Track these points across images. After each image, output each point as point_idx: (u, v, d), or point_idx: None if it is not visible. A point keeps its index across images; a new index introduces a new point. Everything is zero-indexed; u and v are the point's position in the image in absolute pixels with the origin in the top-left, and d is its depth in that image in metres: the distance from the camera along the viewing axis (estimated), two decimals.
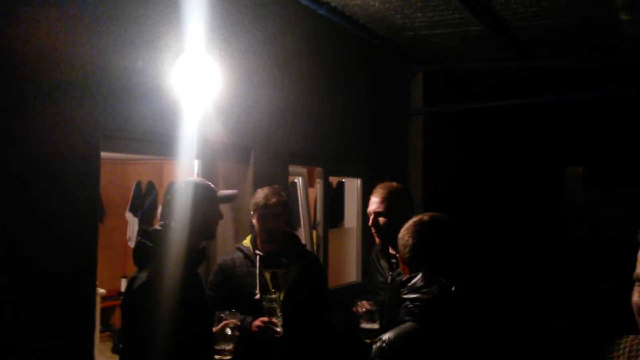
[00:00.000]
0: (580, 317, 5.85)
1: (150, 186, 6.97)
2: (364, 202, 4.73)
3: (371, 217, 2.57)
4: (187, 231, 2.20)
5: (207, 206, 2.27)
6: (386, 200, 2.55)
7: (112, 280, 6.79)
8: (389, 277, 2.59)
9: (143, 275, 2.10)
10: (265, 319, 2.52)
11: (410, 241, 1.81)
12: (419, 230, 1.81)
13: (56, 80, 2.27)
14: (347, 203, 4.94)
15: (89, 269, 2.41)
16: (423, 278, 1.73)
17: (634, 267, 1.18)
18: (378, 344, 1.71)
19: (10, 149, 2.12)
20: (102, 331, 6.16)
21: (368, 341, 2.41)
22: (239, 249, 2.79)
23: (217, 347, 2.29)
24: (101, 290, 5.66)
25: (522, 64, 4.84)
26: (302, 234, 4.25)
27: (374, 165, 4.75)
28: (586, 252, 7.74)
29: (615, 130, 7.16)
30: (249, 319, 2.61)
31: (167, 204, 2.26)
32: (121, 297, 2.29)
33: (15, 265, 2.13)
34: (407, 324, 1.72)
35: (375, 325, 2.46)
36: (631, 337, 1.31)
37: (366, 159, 4.64)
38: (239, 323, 2.37)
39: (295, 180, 4.35)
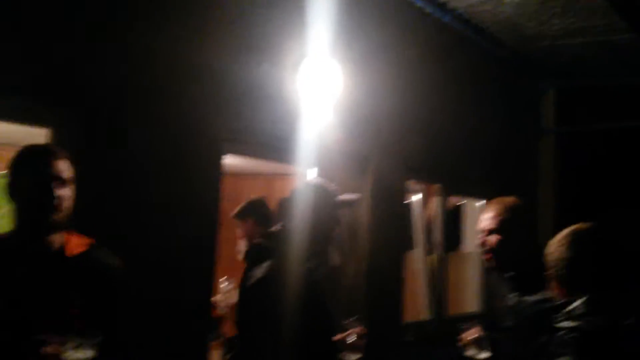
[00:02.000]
0: None
1: (262, 201, 7.08)
2: None
3: (482, 236, 2.25)
4: (306, 235, 2.08)
5: (325, 210, 2.14)
6: (501, 215, 2.22)
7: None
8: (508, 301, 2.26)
9: (258, 272, 2.01)
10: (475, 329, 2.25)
11: (567, 254, 1.51)
12: (579, 241, 1.52)
13: (181, 85, 2.30)
14: (468, 226, 4.60)
15: (208, 275, 2.39)
16: (587, 303, 1.43)
17: None
18: None
19: (138, 153, 2.17)
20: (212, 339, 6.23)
21: None
22: None
23: (341, 357, 2.13)
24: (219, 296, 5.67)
25: None
26: (417, 257, 4.00)
27: (499, 187, 4.37)
28: None
29: None
30: None
31: (287, 206, 2.17)
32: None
33: (134, 266, 2.14)
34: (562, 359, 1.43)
35: (483, 355, 2.16)
36: None
37: (489, 179, 4.30)
38: (365, 331, 2.19)
39: (413, 198, 4.12)
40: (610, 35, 3.61)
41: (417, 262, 3.99)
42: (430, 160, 3.64)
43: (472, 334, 2.20)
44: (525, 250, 2.06)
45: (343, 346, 2.14)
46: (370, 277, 3.06)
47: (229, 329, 6.40)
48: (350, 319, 2.21)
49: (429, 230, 4.26)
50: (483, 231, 2.23)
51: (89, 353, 1.39)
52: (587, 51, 3.99)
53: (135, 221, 2.16)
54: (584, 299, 1.43)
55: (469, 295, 4.29)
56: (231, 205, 8.68)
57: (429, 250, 4.06)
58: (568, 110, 4.71)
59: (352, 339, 2.14)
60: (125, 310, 1.63)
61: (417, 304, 3.90)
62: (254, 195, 7.90)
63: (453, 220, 4.81)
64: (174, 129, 2.28)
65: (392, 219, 3.19)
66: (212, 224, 2.42)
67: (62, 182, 1.51)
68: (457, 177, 4.00)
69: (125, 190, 2.14)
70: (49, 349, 1.34)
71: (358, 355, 2.13)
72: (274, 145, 2.79)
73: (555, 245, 1.56)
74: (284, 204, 2.23)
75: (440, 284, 3.87)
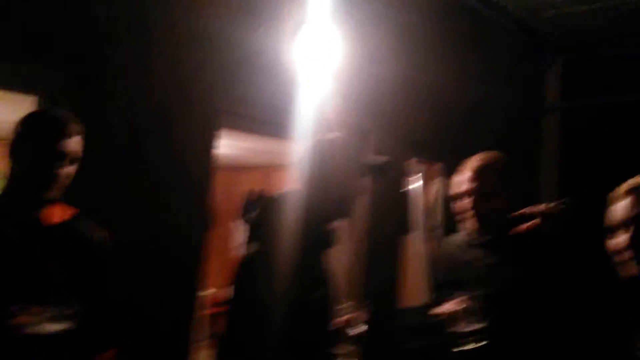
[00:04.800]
0: None
1: (260, 195, 6.93)
2: None
3: (457, 202, 2.00)
4: (319, 201, 1.71)
5: (348, 173, 1.77)
6: (479, 175, 1.99)
7: (218, 288, 6.77)
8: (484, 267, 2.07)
9: (250, 249, 1.73)
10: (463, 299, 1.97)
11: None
12: None
13: (175, 50, 2.14)
14: None
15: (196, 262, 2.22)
16: None
17: None
18: None
19: (128, 118, 2.00)
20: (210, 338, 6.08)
21: (472, 346, 1.89)
22: None
23: (336, 351, 1.83)
24: (212, 290, 5.49)
25: None
26: (417, 240, 3.84)
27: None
28: None
29: None
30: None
31: (301, 165, 1.80)
32: (222, 306, 2.01)
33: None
34: None
35: (479, 325, 1.93)
36: None
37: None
38: (364, 318, 1.89)
39: (413, 179, 3.96)
40: (617, 0, 3.47)
41: (417, 244, 3.83)
42: (432, 136, 3.49)
43: (459, 304, 1.97)
44: (508, 212, 1.88)
45: (342, 334, 1.83)
46: (369, 261, 2.89)
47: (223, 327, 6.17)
48: (350, 304, 1.92)
49: (429, 212, 4.11)
50: (457, 196, 1.96)
51: (64, 325, 1.26)
52: (593, 20, 3.84)
53: (118, 203, 1.99)
54: None
55: None
56: (226, 198, 8.53)
57: (429, 233, 3.90)
58: (574, 84, 4.55)
59: (352, 325, 1.84)
60: (109, 282, 1.49)
61: (416, 288, 3.74)
62: (250, 188, 7.72)
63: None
64: (167, 98, 2.11)
65: (394, 197, 3.03)
66: (204, 199, 2.24)
67: (68, 160, 1.40)
68: (460, 155, 3.84)
69: (114, 162, 1.98)
70: (22, 319, 1.20)
71: (358, 344, 1.83)
72: (271, 118, 2.63)
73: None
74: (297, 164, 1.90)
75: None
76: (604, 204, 1.56)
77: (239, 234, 7.00)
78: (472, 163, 2.09)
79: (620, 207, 1.47)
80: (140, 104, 2.04)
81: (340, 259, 3.08)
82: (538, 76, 4.52)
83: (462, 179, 2.06)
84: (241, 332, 1.69)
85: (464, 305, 1.94)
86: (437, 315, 2.02)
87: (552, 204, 1.90)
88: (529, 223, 1.88)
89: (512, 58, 4.28)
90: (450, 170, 3.82)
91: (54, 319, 1.26)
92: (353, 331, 1.84)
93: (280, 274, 1.64)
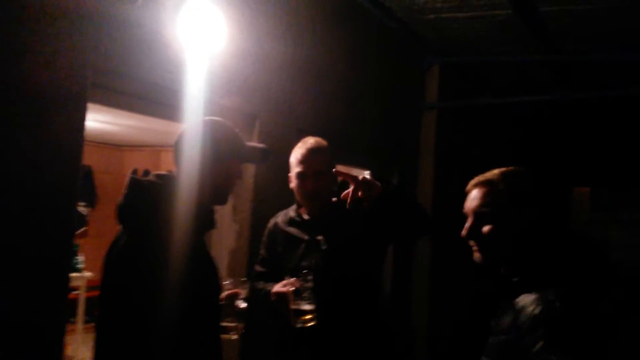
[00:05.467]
0: None
1: (146, 174, 6.71)
2: None
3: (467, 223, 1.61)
4: (195, 186, 1.71)
5: (230, 159, 1.79)
6: (492, 193, 1.62)
7: (95, 269, 6.47)
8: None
9: (123, 238, 1.68)
10: (291, 281, 2.10)
11: None
12: None
13: (43, 12, 2.00)
14: None
15: (66, 224, 2.12)
16: None
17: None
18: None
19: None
20: (87, 322, 5.83)
21: (300, 326, 2.05)
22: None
23: (223, 324, 1.88)
24: (87, 274, 5.29)
25: (545, 57, 4.60)
26: None
27: (384, 157, 4.48)
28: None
29: (625, 149, 6.86)
30: (269, 286, 2.24)
31: (177, 147, 1.79)
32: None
33: None
34: None
35: (311, 306, 2.06)
36: None
37: (376, 150, 4.37)
38: (247, 294, 1.95)
39: None
40: (490, 10, 3.79)
41: None
42: (319, 125, 3.60)
43: (290, 285, 2.07)
44: (535, 244, 1.50)
45: (228, 310, 1.88)
46: (253, 243, 2.94)
47: None
48: (232, 280, 1.99)
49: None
50: (467, 216, 1.59)
51: None
52: (468, 27, 4.16)
53: None
54: None
55: None
56: (114, 177, 8.13)
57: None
58: (450, 85, 4.92)
59: (237, 300, 1.91)
60: None
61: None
62: (134, 168, 7.44)
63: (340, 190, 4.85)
64: (34, 60, 1.98)
65: (279, 182, 3.09)
66: (73, 170, 2.13)
67: None
68: (347, 145, 4.01)
69: None
70: None
71: (241, 322, 1.91)
72: (151, 96, 2.56)
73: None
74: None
75: None
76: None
77: None
78: (304, 147, 2.29)
79: (469, 198, 1.60)
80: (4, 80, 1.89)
81: (223, 239, 3.11)
82: (420, 75, 4.82)
83: (298, 161, 2.25)
84: (121, 320, 1.64)
85: (294, 286, 2.08)
86: (271, 295, 2.15)
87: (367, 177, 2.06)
88: (347, 191, 2.01)
89: (396, 57, 4.52)
90: (337, 159, 3.99)
91: None
92: (238, 305, 1.91)
93: (158, 258, 1.61)
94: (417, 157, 4.90)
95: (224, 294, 1.91)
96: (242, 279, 2.02)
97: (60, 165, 2.07)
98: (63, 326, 2.12)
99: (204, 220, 1.79)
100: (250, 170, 3.06)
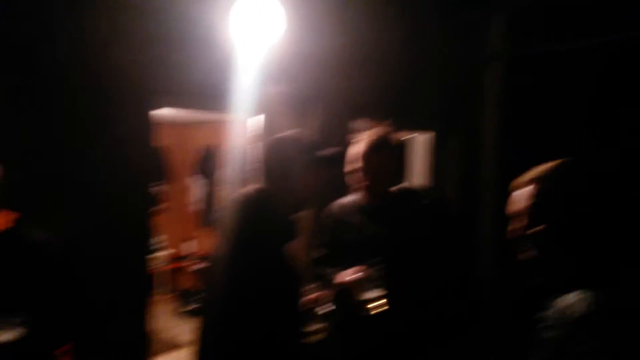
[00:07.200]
0: None
1: (212, 149, 6.93)
2: (432, 160, 4.40)
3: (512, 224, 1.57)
4: (281, 199, 1.86)
5: (304, 168, 1.89)
6: (538, 194, 1.74)
7: (174, 244, 6.86)
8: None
9: (223, 247, 1.84)
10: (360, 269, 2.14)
11: None
12: None
13: (110, 28, 2.10)
14: (414, 161, 4.62)
15: (141, 232, 2.29)
16: None
17: None
18: None
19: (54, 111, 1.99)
20: (171, 292, 6.23)
21: (373, 312, 2.06)
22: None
23: (307, 329, 1.99)
24: (171, 251, 5.65)
25: None
26: None
27: (447, 120, 4.38)
28: None
29: None
30: (334, 273, 2.25)
31: (259, 165, 1.93)
32: (182, 261, 2.08)
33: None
34: None
35: (379, 292, 2.08)
36: None
37: (438, 113, 4.28)
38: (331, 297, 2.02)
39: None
40: None
41: None
42: (376, 98, 3.57)
43: (354, 273, 2.09)
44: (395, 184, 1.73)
45: (311, 313, 1.99)
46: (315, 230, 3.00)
47: (185, 282, 6.29)
48: (315, 285, 2.08)
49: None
50: (517, 215, 1.50)
51: (13, 334, 1.31)
52: None
53: (62, 182, 2.02)
54: None
55: None
56: (181, 154, 8.41)
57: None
58: (517, 34, 4.61)
59: (320, 304, 2.00)
60: (59, 288, 1.55)
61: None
62: (205, 144, 7.65)
63: (399, 156, 4.81)
64: (101, 80, 2.10)
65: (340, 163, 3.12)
66: (144, 178, 2.28)
67: None
68: (404, 112, 3.95)
69: (53, 153, 1.99)
70: None
71: (326, 323, 2.00)
72: (210, 94, 2.64)
73: None
74: (253, 163, 2.00)
75: None
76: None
77: (195, 189, 7.04)
78: (366, 141, 2.29)
79: (518, 197, 1.54)
80: (73, 98, 2.03)
81: (303, 247, 3.18)
82: (480, 28, 4.57)
83: (356, 156, 2.25)
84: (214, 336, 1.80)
85: (364, 274, 2.11)
86: (340, 284, 2.21)
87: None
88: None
89: (452, 13, 4.31)
90: (395, 127, 3.96)
91: (2, 330, 1.31)
92: (321, 310, 1.99)
93: (250, 270, 1.74)
94: (481, 118, 4.73)
95: (308, 298, 1.99)
96: (325, 284, 2.07)
97: (132, 176, 2.22)
98: (145, 301, 2.32)
99: (287, 232, 1.91)
100: None
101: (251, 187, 1.94)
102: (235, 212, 1.84)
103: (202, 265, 5.26)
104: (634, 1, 4.41)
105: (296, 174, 1.87)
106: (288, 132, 2.01)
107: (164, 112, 2.64)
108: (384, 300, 2.12)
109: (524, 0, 4.44)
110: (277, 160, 1.87)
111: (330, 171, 2.93)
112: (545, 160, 1.87)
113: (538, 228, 1.50)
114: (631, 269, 1.47)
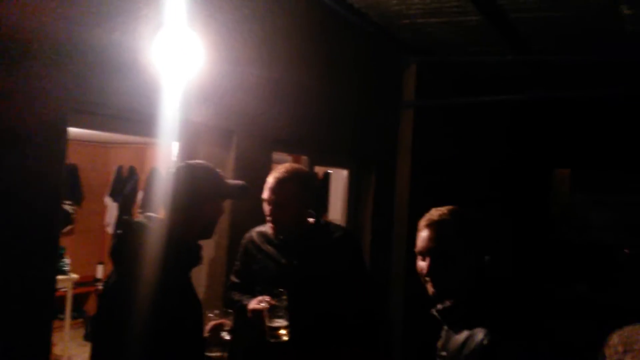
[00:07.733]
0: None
1: (132, 171, 6.77)
2: (349, 194, 4.58)
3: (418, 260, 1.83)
4: (181, 227, 1.88)
5: (212, 199, 1.93)
6: (435, 235, 1.79)
7: (88, 266, 6.59)
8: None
9: (114, 276, 1.86)
10: (266, 298, 2.23)
11: None
12: None
13: (24, 49, 2.08)
14: (333, 195, 4.80)
15: (49, 253, 2.23)
16: None
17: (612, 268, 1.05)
18: None
19: None
20: (74, 318, 5.97)
21: (274, 340, 2.17)
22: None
23: (208, 354, 1.96)
24: (74, 276, 5.48)
25: (517, 58, 4.71)
26: None
27: (363, 158, 4.60)
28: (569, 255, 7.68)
29: (606, 131, 7.04)
30: (245, 299, 2.38)
31: (158, 191, 2.00)
32: (96, 284, 2.01)
33: None
34: None
35: (284, 322, 2.18)
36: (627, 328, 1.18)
37: (354, 151, 4.49)
38: (231, 326, 2.03)
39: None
40: (461, 16, 3.87)
41: None
42: (298, 132, 3.70)
43: (265, 302, 2.20)
44: (466, 274, 1.69)
45: (213, 341, 1.96)
46: (230, 253, 3.06)
47: (94, 306, 6.04)
48: (218, 311, 2.07)
49: None
50: (421, 254, 1.75)
51: None
52: (442, 31, 4.25)
53: None
54: None
55: None
56: (98, 175, 8.14)
57: None
58: (427, 85, 5.01)
59: (222, 330, 1.98)
60: None
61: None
62: (120, 165, 7.47)
63: (320, 190, 4.99)
64: (14, 95, 2.07)
65: (256, 193, 3.20)
66: (55, 199, 2.24)
67: None
68: (325, 148, 4.12)
69: None
70: None
71: (226, 352, 1.97)
72: (131, 118, 2.66)
73: None
74: (149, 189, 2.05)
75: None
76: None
77: (110, 210, 6.82)
78: (274, 174, 2.42)
79: (420, 238, 1.72)
80: None
81: (203, 273, 3.20)
82: (396, 76, 4.90)
83: (266, 187, 2.40)
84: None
85: (267, 304, 2.20)
86: (244, 312, 2.28)
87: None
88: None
89: (373, 59, 4.60)
90: (314, 161, 4.10)
91: None
92: (223, 337, 1.99)
93: (146, 296, 1.73)
94: (395, 156, 5.01)
95: (210, 324, 2.00)
96: (228, 310, 2.10)
97: (42, 196, 2.17)
98: (49, 325, 2.24)
99: (190, 257, 1.93)
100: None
101: (150, 213, 1.96)
102: (131, 237, 1.84)
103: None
104: (536, 65, 4.92)
105: (200, 201, 1.90)
106: (196, 161, 2.07)
107: (81, 131, 2.62)
108: (285, 330, 2.20)
109: (433, 56, 4.83)
110: (183, 187, 1.91)
111: (233, 202, 3.02)
112: (448, 198, 2.05)
113: (443, 265, 1.67)
114: (517, 307, 1.65)
